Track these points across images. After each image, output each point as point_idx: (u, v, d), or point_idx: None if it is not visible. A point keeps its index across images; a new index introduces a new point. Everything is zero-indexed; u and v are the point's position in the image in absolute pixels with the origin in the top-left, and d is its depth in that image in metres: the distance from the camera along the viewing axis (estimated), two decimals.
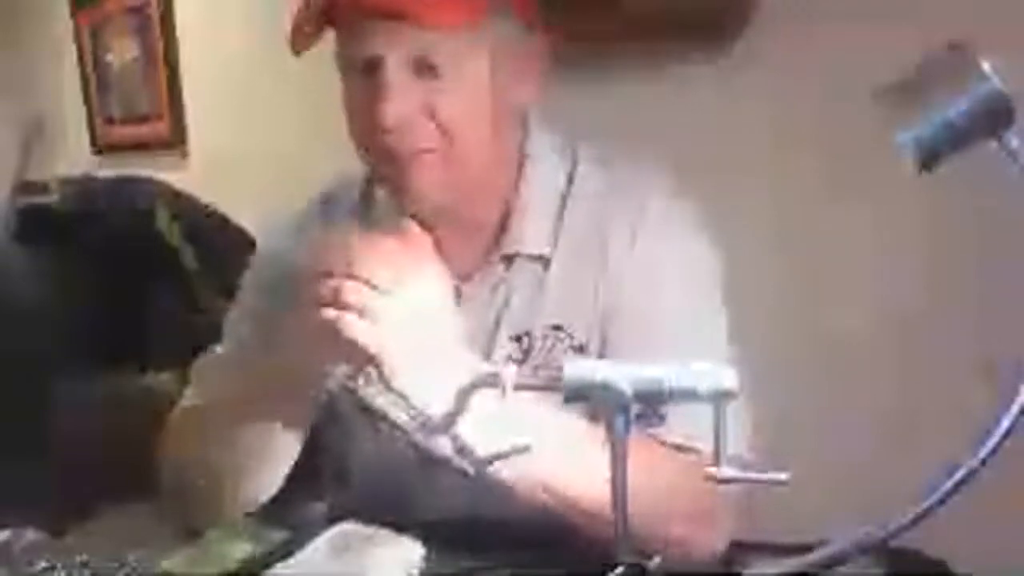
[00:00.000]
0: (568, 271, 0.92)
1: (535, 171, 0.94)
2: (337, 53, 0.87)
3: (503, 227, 0.93)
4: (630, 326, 0.89)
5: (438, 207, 0.87)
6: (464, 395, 0.63)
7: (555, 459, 0.78)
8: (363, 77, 0.84)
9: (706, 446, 0.56)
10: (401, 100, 0.81)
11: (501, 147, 0.91)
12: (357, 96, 0.86)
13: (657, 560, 0.58)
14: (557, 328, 0.91)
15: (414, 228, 0.84)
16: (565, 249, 0.92)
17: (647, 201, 0.93)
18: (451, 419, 0.65)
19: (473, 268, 0.94)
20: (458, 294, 0.90)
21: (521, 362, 0.90)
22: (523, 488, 0.81)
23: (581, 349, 0.90)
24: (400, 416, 0.95)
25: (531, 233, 0.92)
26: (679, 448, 0.83)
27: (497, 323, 0.93)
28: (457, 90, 0.83)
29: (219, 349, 1.03)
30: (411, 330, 0.77)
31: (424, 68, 0.82)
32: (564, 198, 0.94)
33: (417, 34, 0.80)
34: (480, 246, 0.94)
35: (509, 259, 0.93)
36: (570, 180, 0.95)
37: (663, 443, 0.84)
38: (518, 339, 0.92)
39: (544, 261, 0.92)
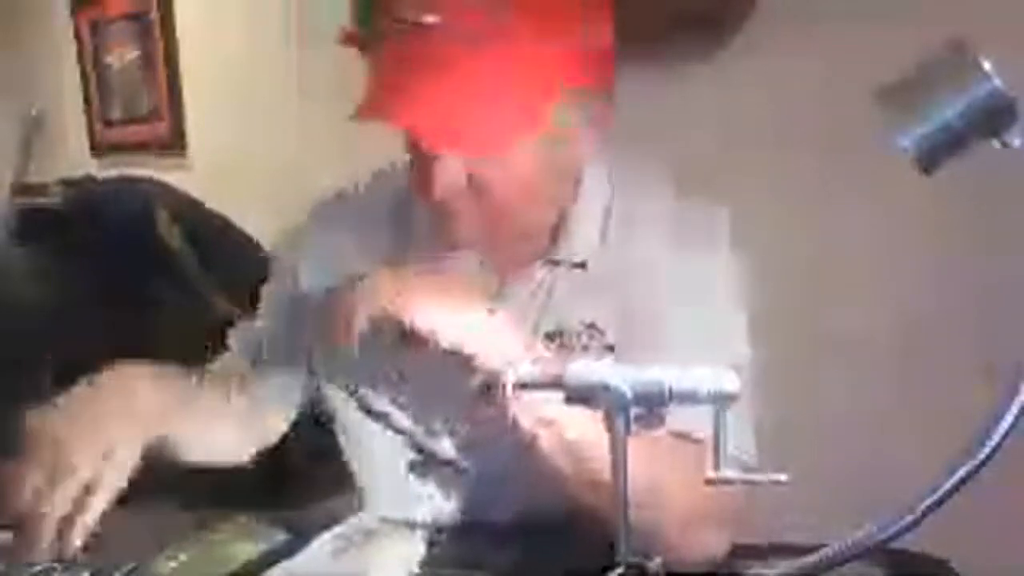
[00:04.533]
0: (603, 273, 0.93)
1: (590, 182, 0.95)
2: None
3: (554, 236, 0.94)
4: (653, 332, 0.90)
5: (482, 241, 0.89)
6: (468, 395, 0.63)
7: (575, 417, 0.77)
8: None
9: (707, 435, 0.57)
10: (450, 178, 0.83)
11: (552, 189, 0.91)
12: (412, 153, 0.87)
13: (658, 560, 0.58)
14: (591, 326, 0.91)
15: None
16: (603, 253, 0.94)
17: (672, 207, 0.95)
18: (451, 421, 0.65)
19: (517, 270, 0.95)
20: (500, 294, 0.92)
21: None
22: (544, 446, 0.80)
23: (611, 350, 0.91)
24: (402, 418, 0.95)
25: (580, 244, 0.94)
26: (680, 436, 0.83)
27: (536, 321, 0.93)
28: (505, 172, 0.84)
29: (259, 324, 1.05)
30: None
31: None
32: (609, 206, 0.95)
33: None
34: (528, 253, 0.94)
35: (554, 263, 0.94)
36: (611, 186, 0.96)
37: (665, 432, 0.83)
38: (551, 337, 0.92)
39: (584, 265, 0.94)
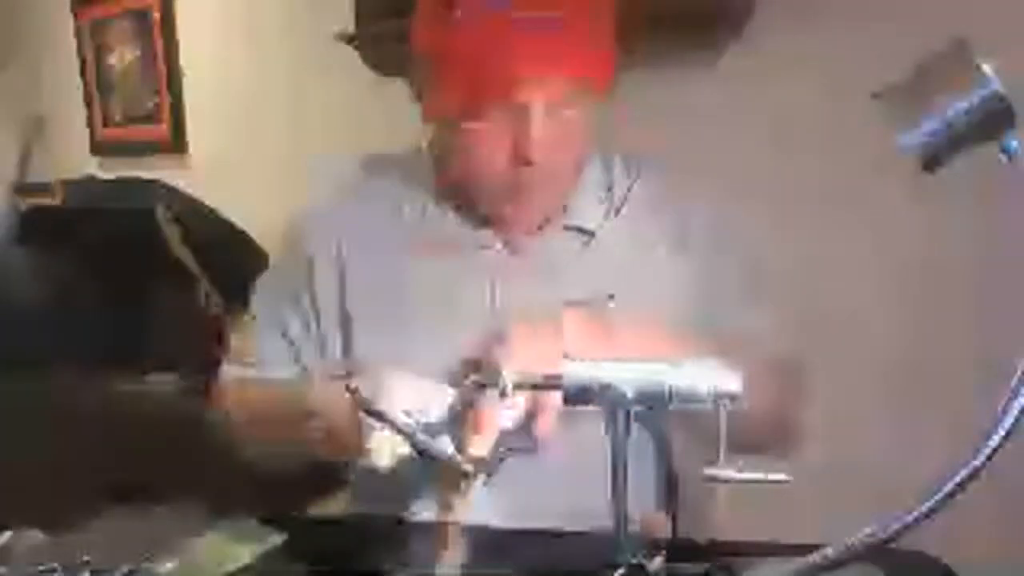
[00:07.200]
0: (603, 270, 0.94)
1: (591, 165, 0.99)
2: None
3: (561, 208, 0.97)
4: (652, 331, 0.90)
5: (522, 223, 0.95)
6: (465, 395, 0.63)
7: None
8: (495, 119, 0.87)
9: None
10: (543, 138, 0.87)
11: (581, 162, 0.96)
12: (482, 136, 0.89)
13: (658, 560, 0.58)
14: (611, 298, 0.93)
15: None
16: (605, 250, 0.96)
17: (672, 207, 0.97)
18: (452, 420, 0.65)
19: (527, 239, 0.97)
20: (509, 257, 0.96)
21: None
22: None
23: (611, 298, 0.92)
24: (402, 417, 0.95)
25: (584, 212, 0.97)
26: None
27: (545, 288, 0.94)
28: (579, 130, 0.89)
29: (249, 318, 1.04)
30: None
31: (558, 111, 0.87)
32: (610, 188, 0.99)
33: (562, 84, 0.86)
34: (538, 224, 0.97)
35: (560, 230, 0.97)
36: (609, 171, 1.00)
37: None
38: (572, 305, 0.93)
39: (590, 235, 0.96)
